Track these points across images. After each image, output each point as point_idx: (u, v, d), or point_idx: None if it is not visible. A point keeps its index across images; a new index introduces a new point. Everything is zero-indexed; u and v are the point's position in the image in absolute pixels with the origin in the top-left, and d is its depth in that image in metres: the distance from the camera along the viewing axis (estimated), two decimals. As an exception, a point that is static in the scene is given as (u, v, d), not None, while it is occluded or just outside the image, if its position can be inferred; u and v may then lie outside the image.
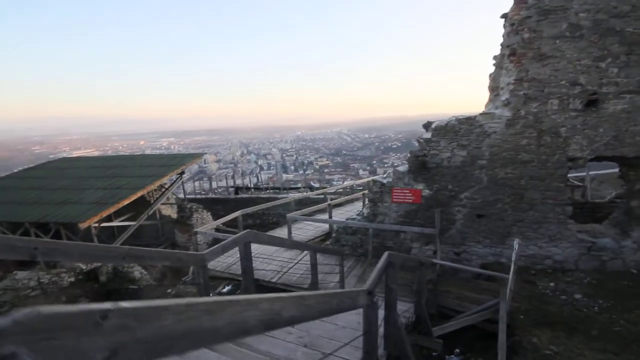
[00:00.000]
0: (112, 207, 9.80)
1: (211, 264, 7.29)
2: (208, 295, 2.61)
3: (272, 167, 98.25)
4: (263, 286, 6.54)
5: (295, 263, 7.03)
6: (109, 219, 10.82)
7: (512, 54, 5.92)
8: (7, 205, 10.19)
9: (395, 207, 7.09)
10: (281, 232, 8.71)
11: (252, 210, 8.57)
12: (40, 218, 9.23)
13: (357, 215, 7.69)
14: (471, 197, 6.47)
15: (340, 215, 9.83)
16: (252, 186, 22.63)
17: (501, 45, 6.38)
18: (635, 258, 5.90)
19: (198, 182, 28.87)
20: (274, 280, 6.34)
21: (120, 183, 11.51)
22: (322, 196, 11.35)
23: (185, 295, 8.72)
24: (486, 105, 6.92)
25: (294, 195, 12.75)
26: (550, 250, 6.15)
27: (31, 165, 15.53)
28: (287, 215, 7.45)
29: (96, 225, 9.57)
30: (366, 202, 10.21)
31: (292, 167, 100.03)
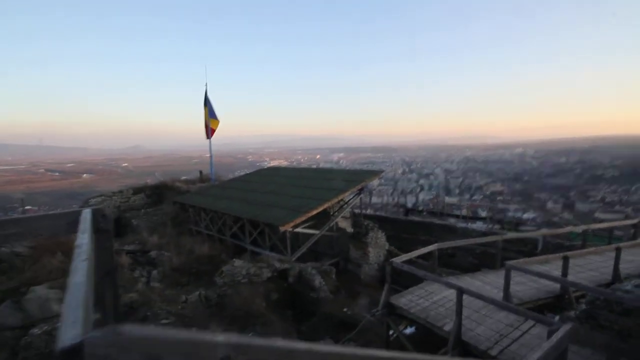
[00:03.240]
0: (303, 215, 10.51)
1: (403, 303, 6.32)
2: None
3: (433, 188, 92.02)
4: (470, 352, 4.98)
5: (521, 333, 5.07)
6: (295, 225, 11.90)
7: None
8: (233, 202, 12.80)
9: None
10: (486, 279, 6.81)
11: (449, 245, 7.10)
12: (253, 216, 10.96)
13: (633, 285, 4.90)
14: None
15: (578, 272, 6.87)
16: (422, 209, 20.96)
17: None
18: None
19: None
20: (492, 352, 4.65)
21: (309, 193, 12.45)
22: (538, 237, 8.51)
23: (360, 321, 8.12)
24: None
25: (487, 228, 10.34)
26: None
27: (247, 171, 19.71)
28: (507, 263, 5.57)
29: (290, 229, 10.54)
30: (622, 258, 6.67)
31: (457, 190, 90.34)
